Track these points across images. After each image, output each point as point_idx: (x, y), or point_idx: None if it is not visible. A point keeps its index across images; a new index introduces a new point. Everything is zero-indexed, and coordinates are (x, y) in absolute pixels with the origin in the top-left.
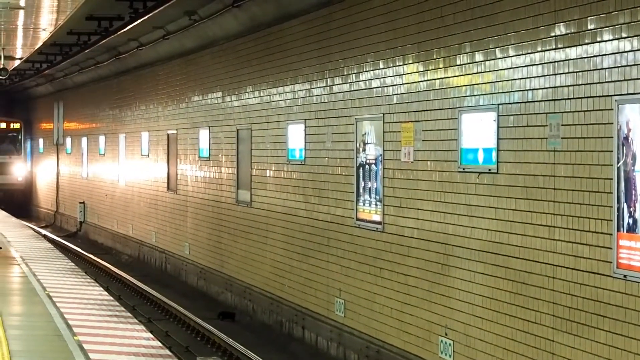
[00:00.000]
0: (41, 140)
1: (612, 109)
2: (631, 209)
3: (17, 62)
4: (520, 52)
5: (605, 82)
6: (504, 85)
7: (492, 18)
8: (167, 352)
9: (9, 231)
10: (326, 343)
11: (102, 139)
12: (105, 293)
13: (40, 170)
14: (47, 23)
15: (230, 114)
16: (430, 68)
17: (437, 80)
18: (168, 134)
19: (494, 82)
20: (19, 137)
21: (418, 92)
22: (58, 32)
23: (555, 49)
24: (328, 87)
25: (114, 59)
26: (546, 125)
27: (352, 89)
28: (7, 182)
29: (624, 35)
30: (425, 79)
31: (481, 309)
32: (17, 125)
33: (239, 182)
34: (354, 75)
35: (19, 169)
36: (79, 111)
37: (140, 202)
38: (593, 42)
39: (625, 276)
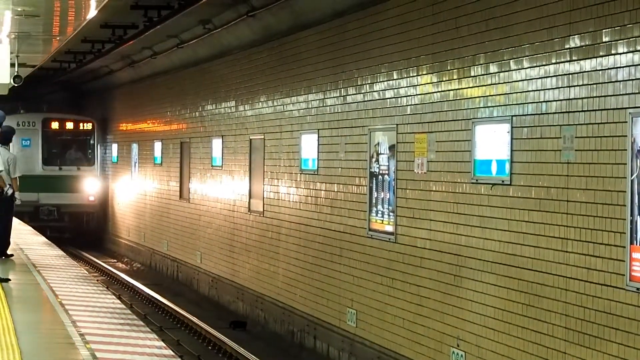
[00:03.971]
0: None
1: (626, 122)
2: None
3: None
4: (535, 64)
5: (620, 94)
6: (518, 97)
7: (506, 30)
8: None
9: (21, 238)
10: (337, 353)
11: (114, 146)
12: (118, 301)
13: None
14: (62, 30)
15: (243, 123)
16: (444, 79)
17: (451, 92)
18: (181, 142)
19: (508, 93)
20: (91, 141)
21: (432, 103)
22: (72, 40)
23: (569, 61)
24: (342, 97)
25: (127, 67)
26: (560, 137)
27: (366, 99)
28: (76, 201)
29: (638, 48)
30: (439, 90)
31: (493, 320)
32: (88, 126)
33: (251, 191)
34: (367, 85)
35: (91, 185)
36: (93, 118)
37: (152, 210)
38: (608, 55)
39: (638, 289)
